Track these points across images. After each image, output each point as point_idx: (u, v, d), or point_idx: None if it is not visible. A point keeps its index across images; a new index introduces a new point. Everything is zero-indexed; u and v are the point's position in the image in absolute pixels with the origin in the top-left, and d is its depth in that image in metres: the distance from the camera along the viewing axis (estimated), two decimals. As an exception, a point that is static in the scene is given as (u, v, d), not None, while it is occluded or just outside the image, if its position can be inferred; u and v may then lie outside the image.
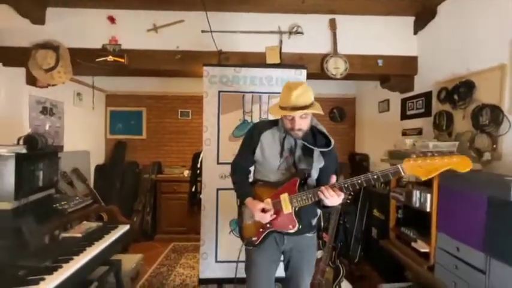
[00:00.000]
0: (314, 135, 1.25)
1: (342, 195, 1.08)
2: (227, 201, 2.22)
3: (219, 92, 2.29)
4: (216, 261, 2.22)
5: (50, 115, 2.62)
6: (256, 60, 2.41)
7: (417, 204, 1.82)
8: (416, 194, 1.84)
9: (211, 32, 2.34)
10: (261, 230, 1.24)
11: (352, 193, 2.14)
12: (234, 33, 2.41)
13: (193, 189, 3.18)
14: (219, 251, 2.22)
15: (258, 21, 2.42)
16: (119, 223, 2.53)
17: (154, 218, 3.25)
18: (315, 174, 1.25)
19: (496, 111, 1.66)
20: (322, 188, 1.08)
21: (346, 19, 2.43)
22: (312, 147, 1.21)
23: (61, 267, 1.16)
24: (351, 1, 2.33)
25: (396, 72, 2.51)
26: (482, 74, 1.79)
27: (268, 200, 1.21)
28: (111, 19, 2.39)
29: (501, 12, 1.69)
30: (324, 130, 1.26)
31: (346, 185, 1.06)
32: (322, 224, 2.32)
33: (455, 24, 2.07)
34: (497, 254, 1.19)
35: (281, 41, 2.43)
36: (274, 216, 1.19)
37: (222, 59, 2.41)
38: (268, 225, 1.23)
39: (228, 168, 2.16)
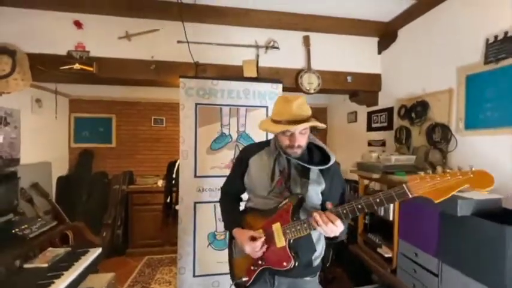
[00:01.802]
0: (310, 151, 1.07)
1: (341, 225, 0.89)
2: (205, 214, 2.22)
3: (196, 104, 2.28)
4: (194, 276, 2.20)
5: (4, 125, 2.36)
6: (233, 73, 2.44)
7: (382, 213, 2.00)
8: (381, 203, 2.02)
9: (187, 42, 2.31)
10: (252, 268, 1.06)
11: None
12: (211, 45, 2.40)
13: (168, 200, 3.11)
14: (197, 265, 2.20)
15: (235, 35, 2.45)
16: (86, 241, 2.39)
17: (126, 232, 3.10)
18: (316, 199, 1.06)
19: (445, 130, 1.90)
20: (315, 213, 0.91)
21: (319, 37, 2.57)
22: (308, 165, 1.03)
23: (27, 304, 1.08)
24: (324, 20, 2.47)
25: (363, 88, 2.72)
26: (435, 96, 2.03)
27: (261, 232, 1.05)
28: (78, 24, 2.23)
29: (449, 43, 1.93)
30: (323, 145, 1.09)
31: (344, 211, 0.88)
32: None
33: (412, 48, 2.31)
34: (448, 260, 1.38)
35: (258, 55, 2.48)
36: (265, 249, 1.02)
37: (199, 71, 2.39)
38: (260, 262, 1.04)
39: (206, 181, 2.23)
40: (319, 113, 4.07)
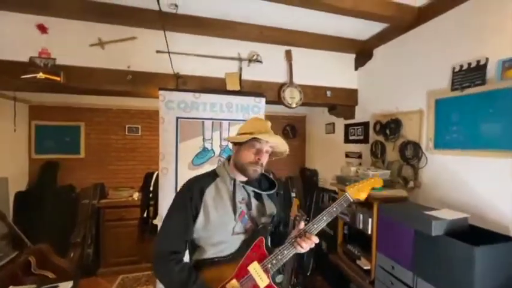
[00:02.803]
0: (258, 179, 1.09)
1: (317, 239, 0.98)
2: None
3: (177, 118, 2.19)
4: (175, 297, 2.12)
5: None
6: (214, 86, 2.39)
7: (360, 226, 2.10)
8: (359, 217, 2.12)
9: (168, 53, 2.20)
10: None
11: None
12: (192, 56, 2.33)
13: (145, 215, 2.95)
14: (178, 286, 2.12)
15: (217, 46, 2.40)
16: (52, 266, 2.18)
17: (97, 250, 2.88)
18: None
19: (417, 148, 2.04)
20: (298, 239, 0.96)
21: (300, 51, 2.61)
22: (260, 191, 1.06)
23: None
24: (305, 36, 2.51)
25: (341, 102, 2.83)
26: (407, 115, 2.18)
27: (235, 283, 0.93)
28: (42, 28, 2.02)
29: (420, 67, 2.08)
30: (266, 173, 1.13)
31: (315, 226, 1.00)
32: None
33: (386, 67, 2.46)
34: (422, 274, 1.49)
35: (241, 68, 2.46)
36: None
37: (180, 83, 2.30)
38: None
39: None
40: (298, 121, 4.16)
